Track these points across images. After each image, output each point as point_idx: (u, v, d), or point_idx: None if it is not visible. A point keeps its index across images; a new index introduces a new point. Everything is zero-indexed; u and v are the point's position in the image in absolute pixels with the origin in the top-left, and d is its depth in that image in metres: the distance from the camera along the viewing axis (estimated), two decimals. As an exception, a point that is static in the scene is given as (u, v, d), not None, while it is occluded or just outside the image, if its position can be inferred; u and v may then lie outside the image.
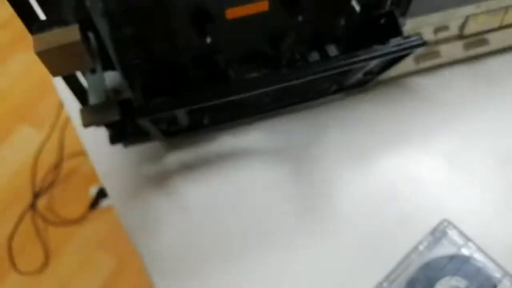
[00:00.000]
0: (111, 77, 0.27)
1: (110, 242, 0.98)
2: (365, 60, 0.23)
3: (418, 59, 0.31)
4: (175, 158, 0.31)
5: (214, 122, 0.30)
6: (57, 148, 0.98)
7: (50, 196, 1.04)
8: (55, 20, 0.19)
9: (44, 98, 1.06)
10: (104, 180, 0.30)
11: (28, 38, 0.19)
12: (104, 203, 1.01)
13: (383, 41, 0.24)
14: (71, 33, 0.19)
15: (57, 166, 1.05)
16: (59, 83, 0.31)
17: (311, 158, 0.31)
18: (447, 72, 0.33)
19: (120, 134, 0.29)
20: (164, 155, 0.31)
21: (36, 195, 1.02)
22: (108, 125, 0.28)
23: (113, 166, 0.31)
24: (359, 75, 0.28)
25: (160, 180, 0.30)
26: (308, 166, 0.31)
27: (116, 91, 0.27)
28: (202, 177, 0.30)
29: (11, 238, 0.96)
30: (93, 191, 1.01)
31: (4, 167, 1.00)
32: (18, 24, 0.21)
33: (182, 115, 0.27)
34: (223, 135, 0.32)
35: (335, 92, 0.31)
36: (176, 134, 0.30)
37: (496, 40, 0.32)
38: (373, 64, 0.26)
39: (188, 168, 0.31)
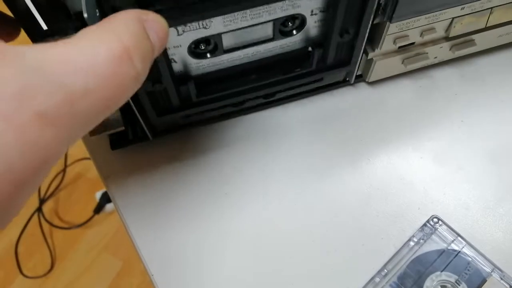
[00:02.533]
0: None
1: (115, 244, 0.99)
2: None
3: (406, 61, 0.32)
4: (173, 158, 0.32)
5: (204, 120, 0.32)
6: (62, 153, 0.99)
7: (56, 200, 1.05)
8: (56, 29, 0.21)
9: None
10: (105, 183, 0.31)
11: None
12: (109, 206, 1.02)
13: None
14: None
15: (62, 171, 1.07)
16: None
17: (301, 156, 0.32)
18: (435, 73, 0.34)
19: (121, 141, 0.31)
20: (162, 156, 0.32)
21: (42, 200, 1.03)
22: (111, 133, 0.29)
23: (114, 170, 0.32)
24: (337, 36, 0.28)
25: (160, 181, 0.31)
26: (297, 164, 0.31)
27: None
28: (195, 173, 0.31)
29: (17, 242, 0.98)
30: (98, 195, 1.03)
31: (11, 173, 1.01)
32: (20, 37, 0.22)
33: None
34: (213, 131, 0.33)
35: (319, 88, 0.32)
36: (166, 132, 0.31)
37: (482, 40, 0.33)
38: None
39: (182, 165, 0.32)
